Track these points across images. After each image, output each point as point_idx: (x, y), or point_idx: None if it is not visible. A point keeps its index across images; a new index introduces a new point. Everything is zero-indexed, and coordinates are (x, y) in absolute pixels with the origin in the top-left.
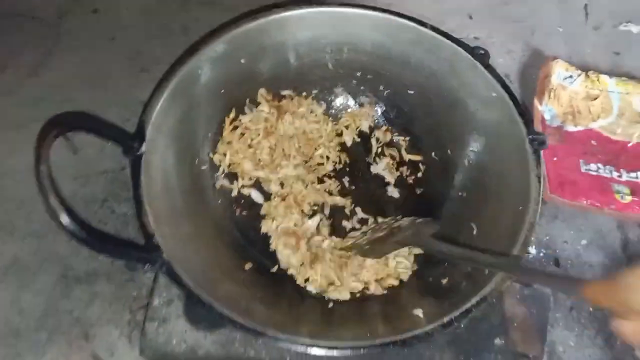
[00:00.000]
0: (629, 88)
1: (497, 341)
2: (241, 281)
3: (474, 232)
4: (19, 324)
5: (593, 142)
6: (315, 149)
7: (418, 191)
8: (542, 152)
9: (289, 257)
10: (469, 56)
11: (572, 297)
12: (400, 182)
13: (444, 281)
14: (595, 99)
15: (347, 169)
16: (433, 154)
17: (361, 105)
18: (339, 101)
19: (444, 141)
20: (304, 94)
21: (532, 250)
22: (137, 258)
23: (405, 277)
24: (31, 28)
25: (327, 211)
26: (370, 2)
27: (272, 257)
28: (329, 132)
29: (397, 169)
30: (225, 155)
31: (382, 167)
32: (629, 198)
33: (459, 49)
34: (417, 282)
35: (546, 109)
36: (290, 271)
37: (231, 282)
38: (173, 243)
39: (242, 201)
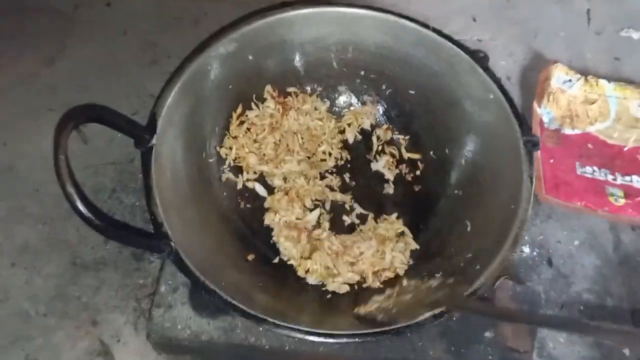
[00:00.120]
0: (627, 93)
1: (487, 334)
2: (244, 271)
3: (468, 229)
4: (29, 308)
5: (590, 145)
6: (319, 145)
7: (416, 188)
8: (538, 153)
9: (290, 249)
10: (469, 58)
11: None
12: (399, 180)
13: (438, 275)
14: (594, 103)
15: (348, 166)
16: (431, 152)
17: (364, 103)
18: (342, 99)
19: (442, 140)
20: (309, 91)
21: (526, 249)
22: (146, 245)
23: (401, 272)
24: (47, 19)
25: (327, 206)
26: (376, 3)
27: (274, 248)
28: (332, 129)
29: (396, 167)
30: (231, 149)
31: (382, 165)
32: (622, 201)
33: (460, 51)
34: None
35: (545, 112)
36: (291, 262)
37: (235, 271)
38: (180, 232)
39: (247, 194)
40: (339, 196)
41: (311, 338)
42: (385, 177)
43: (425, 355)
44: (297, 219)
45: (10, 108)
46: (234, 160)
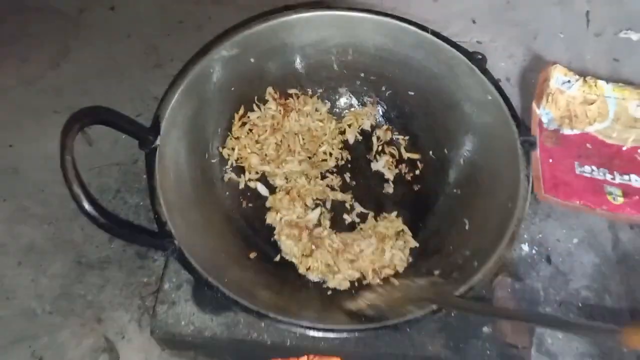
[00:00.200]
0: (625, 94)
1: (485, 329)
2: (247, 268)
3: (466, 227)
4: (35, 306)
5: (588, 145)
6: (319, 145)
7: (415, 188)
8: (538, 153)
9: (291, 247)
10: (467, 60)
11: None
12: (399, 179)
13: (436, 272)
14: (592, 103)
15: (349, 166)
16: (430, 152)
17: (364, 104)
18: (342, 100)
19: (441, 141)
20: (310, 93)
21: (525, 247)
22: (150, 243)
23: (400, 269)
24: (52, 22)
25: (328, 205)
26: (376, 6)
27: (276, 247)
28: (332, 130)
29: (396, 167)
30: (233, 149)
31: (382, 165)
32: (621, 199)
33: (458, 53)
34: (411, 273)
35: (544, 113)
36: (292, 260)
37: (237, 269)
38: (184, 231)
39: (249, 194)
40: (339, 195)
41: (311, 333)
42: (385, 177)
43: (424, 350)
44: (298, 217)
45: (16, 110)
46: (236, 161)
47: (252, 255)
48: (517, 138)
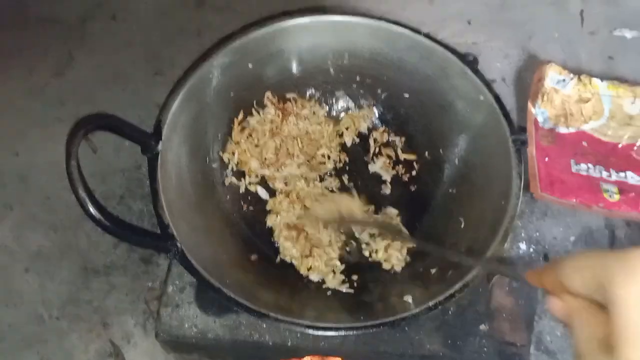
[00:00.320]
0: (620, 91)
1: (482, 327)
2: (248, 270)
3: (462, 225)
4: (43, 312)
5: (584, 143)
6: (318, 148)
7: (412, 188)
8: (534, 152)
9: (290, 249)
10: (460, 62)
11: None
12: (396, 180)
13: (433, 271)
14: (587, 101)
15: (347, 168)
16: (426, 153)
17: (360, 107)
18: (339, 104)
19: (436, 141)
20: (307, 97)
21: (523, 245)
22: (154, 246)
23: (398, 269)
24: (56, 33)
25: None
26: (373, 8)
27: (276, 249)
28: (330, 132)
29: (393, 168)
30: (233, 154)
31: (379, 166)
32: (617, 197)
33: (450, 55)
34: (408, 272)
35: (539, 112)
36: (293, 262)
37: (238, 271)
38: (186, 234)
39: (249, 197)
40: None
41: (311, 331)
42: (383, 178)
43: (422, 348)
44: (297, 219)
45: (22, 119)
46: (236, 165)
47: (253, 257)
48: (508, 137)
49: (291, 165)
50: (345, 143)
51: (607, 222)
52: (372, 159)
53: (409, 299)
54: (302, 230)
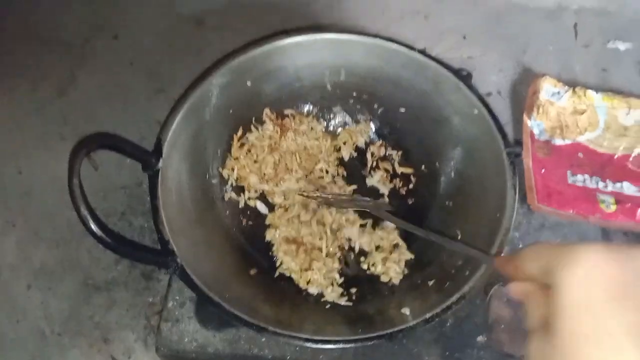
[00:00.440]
0: (614, 103)
1: (480, 338)
2: (247, 284)
3: (458, 237)
4: (45, 328)
5: (580, 154)
6: (316, 163)
7: (410, 201)
8: (530, 164)
9: (288, 262)
10: (454, 77)
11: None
12: (393, 193)
13: (430, 283)
14: (582, 113)
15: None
16: (423, 166)
17: (357, 122)
18: (337, 119)
19: (432, 154)
20: (305, 112)
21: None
22: (154, 262)
23: (396, 281)
24: (59, 52)
25: None
26: (370, 24)
27: (275, 263)
28: (328, 147)
29: (390, 181)
30: (233, 169)
31: (376, 180)
32: (613, 207)
33: (444, 70)
34: (406, 284)
35: (535, 124)
36: (292, 275)
37: (238, 285)
38: (186, 249)
39: (249, 212)
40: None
41: (310, 345)
42: (380, 192)
43: None
44: (296, 233)
45: (25, 137)
46: (235, 180)
47: (252, 271)
48: (503, 150)
49: (290, 180)
50: (343, 157)
51: (604, 232)
52: (370, 172)
53: (406, 311)
54: (302, 243)
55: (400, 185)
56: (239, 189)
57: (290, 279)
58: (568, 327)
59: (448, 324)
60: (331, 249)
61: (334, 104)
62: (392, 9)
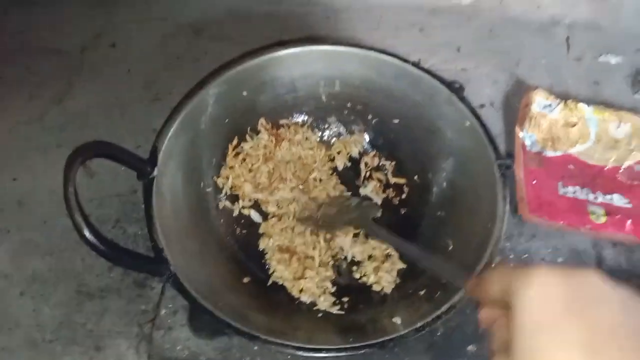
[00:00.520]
0: (605, 115)
1: (470, 348)
2: (240, 293)
3: (450, 248)
4: (37, 336)
5: (571, 166)
6: (310, 173)
7: (402, 211)
8: (522, 175)
9: (282, 271)
10: (446, 89)
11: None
12: (386, 203)
13: (421, 292)
14: (574, 126)
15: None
16: (415, 177)
17: (351, 133)
18: (331, 129)
19: (425, 165)
20: (300, 122)
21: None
22: (148, 269)
23: (388, 290)
24: (56, 61)
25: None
26: (366, 37)
27: (268, 271)
28: (322, 157)
29: (383, 191)
30: (227, 178)
31: (370, 190)
32: (603, 219)
33: (437, 82)
34: (398, 293)
35: (527, 136)
36: (285, 284)
37: (231, 294)
38: (179, 257)
39: (243, 221)
40: None
41: (301, 353)
42: (374, 202)
43: None
44: (289, 242)
45: (21, 145)
46: (230, 189)
47: (246, 279)
48: (494, 161)
49: (284, 189)
50: (337, 167)
51: (594, 243)
52: (363, 182)
53: (398, 320)
54: (295, 252)
55: (393, 195)
56: (234, 198)
57: (283, 287)
58: (524, 346)
59: (439, 333)
60: (324, 258)
61: (328, 115)
62: (388, 22)
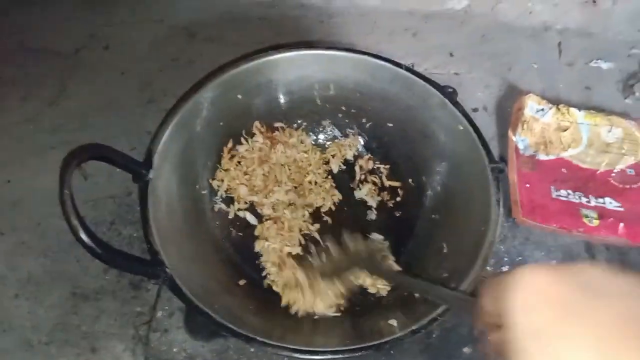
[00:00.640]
0: (597, 120)
1: (466, 349)
2: (236, 295)
3: (444, 250)
4: (31, 337)
5: (564, 170)
6: (305, 176)
7: (397, 214)
8: (515, 178)
9: (275, 274)
10: (439, 94)
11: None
12: (381, 206)
13: (417, 295)
14: (566, 130)
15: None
16: (410, 180)
17: (346, 136)
18: (326, 132)
19: (419, 168)
20: (295, 126)
21: (506, 269)
22: (144, 272)
23: (384, 293)
24: (50, 62)
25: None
26: (360, 41)
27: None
28: (317, 160)
29: (378, 194)
30: (223, 181)
31: (364, 192)
32: (596, 222)
33: (430, 87)
34: (394, 296)
35: (520, 140)
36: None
37: (227, 296)
38: (175, 260)
39: (238, 223)
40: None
41: (298, 355)
42: (368, 204)
43: None
44: (285, 246)
45: (15, 146)
46: (225, 192)
47: (242, 282)
48: (487, 165)
49: (279, 192)
50: (331, 170)
51: (587, 246)
52: (358, 185)
53: (393, 322)
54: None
55: (388, 198)
56: (229, 200)
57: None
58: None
59: (435, 335)
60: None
61: (323, 118)
62: (381, 26)
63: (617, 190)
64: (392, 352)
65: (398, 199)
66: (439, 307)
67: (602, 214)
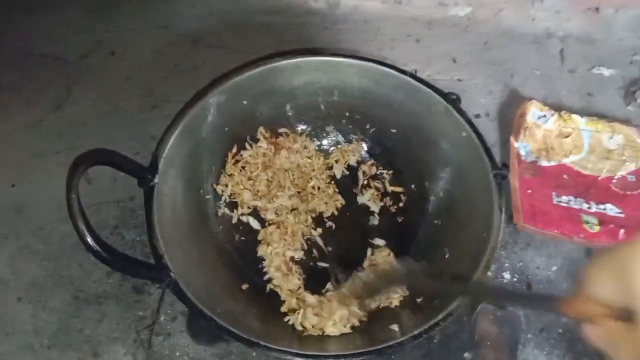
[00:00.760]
0: (598, 127)
1: (467, 355)
2: (239, 299)
3: (446, 256)
4: (34, 341)
5: (565, 176)
6: (308, 181)
7: (399, 219)
8: (517, 184)
9: (279, 279)
10: (443, 100)
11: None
12: (384, 211)
13: (419, 300)
14: (568, 136)
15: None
16: (413, 186)
17: (350, 142)
18: (330, 138)
19: (421, 174)
20: (299, 131)
21: (507, 275)
22: (148, 276)
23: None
24: (55, 68)
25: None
26: (364, 47)
27: (266, 277)
28: (320, 166)
29: (381, 200)
30: (227, 186)
31: (367, 198)
32: (597, 228)
33: (434, 94)
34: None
35: (521, 146)
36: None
37: (230, 300)
38: (179, 264)
39: (241, 227)
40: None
41: None
42: (371, 209)
43: None
44: (288, 250)
45: (20, 151)
46: (229, 196)
47: (244, 286)
48: (490, 171)
49: (282, 197)
50: (335, 175)
51: (587, 252)
52: (361, 191)
53: (395, 327)
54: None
55: (391, 203)
56: (233, 205)
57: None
58: None
59: (436, 341)
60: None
61: (327, 124)
62: (385, 32)
63: (618, 197)
64: (393, 357)
65: (401, 204)
66: (440, 313)
67: (603, 220)
